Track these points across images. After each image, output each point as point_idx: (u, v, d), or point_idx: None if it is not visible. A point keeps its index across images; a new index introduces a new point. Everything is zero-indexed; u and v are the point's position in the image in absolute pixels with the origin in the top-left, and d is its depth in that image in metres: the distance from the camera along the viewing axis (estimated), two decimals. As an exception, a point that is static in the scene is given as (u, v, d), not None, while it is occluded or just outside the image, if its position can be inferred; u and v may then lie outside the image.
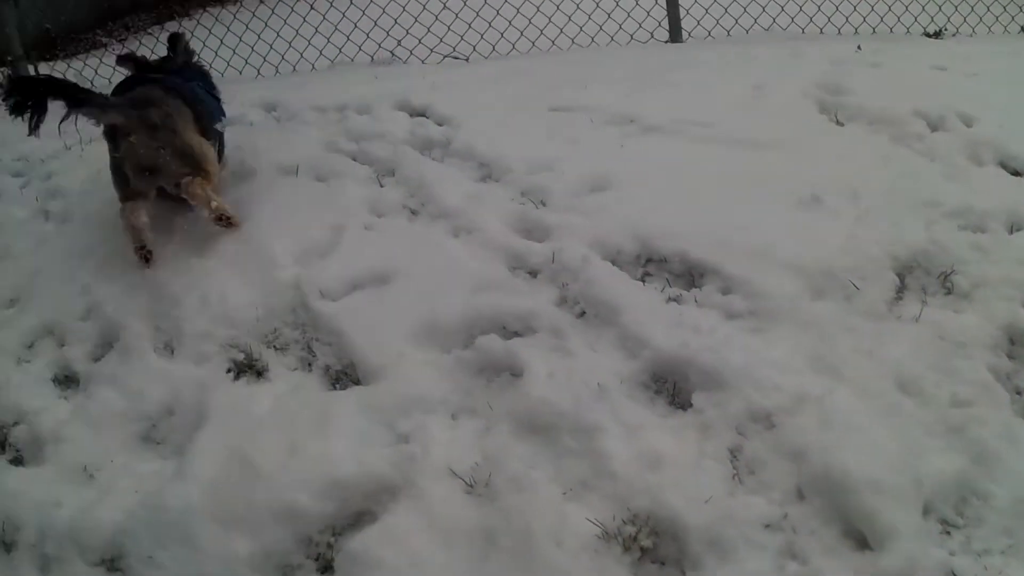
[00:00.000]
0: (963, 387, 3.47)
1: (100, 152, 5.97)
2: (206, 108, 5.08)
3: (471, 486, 3.31)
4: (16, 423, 3.99)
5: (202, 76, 5.68)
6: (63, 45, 11.53)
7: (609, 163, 5.00)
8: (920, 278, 4.07)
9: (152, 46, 9.03)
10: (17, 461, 3.88)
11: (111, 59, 8.66)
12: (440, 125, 5.77)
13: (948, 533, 3.11)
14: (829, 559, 3.02)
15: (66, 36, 11.76)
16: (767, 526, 3.12)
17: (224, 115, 5.43)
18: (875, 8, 8.45)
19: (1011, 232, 4.37)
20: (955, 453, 3.26)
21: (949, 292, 3.99)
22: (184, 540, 3.32)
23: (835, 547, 3.06)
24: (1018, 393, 3.53)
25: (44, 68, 9.38)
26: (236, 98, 6.65)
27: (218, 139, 5.17)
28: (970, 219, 4.41)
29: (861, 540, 3.06)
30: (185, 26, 9.77)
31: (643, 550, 3.12)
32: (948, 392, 3.45)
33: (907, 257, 4.13)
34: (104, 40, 12.23)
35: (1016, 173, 4.98)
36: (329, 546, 3.30)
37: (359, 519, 3.34)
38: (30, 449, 3.88)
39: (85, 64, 9.25)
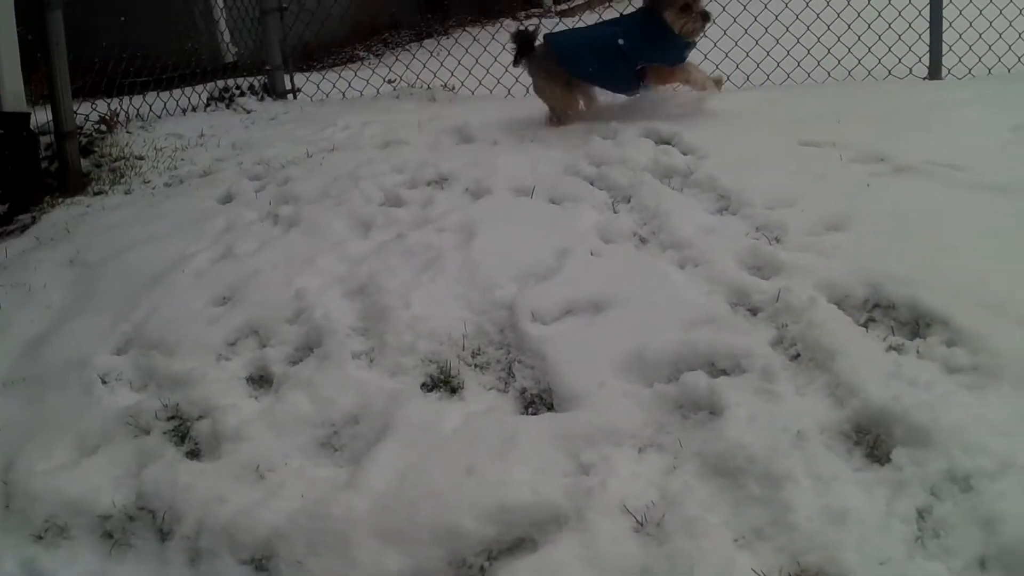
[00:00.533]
0: None
1: (338, 162, 6.22)
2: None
3: (641, 524, 3.20)
4: (200, 417, 4.06)
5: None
6: (321, 57, 11.90)
7: (852, 202, 4.86)
8: None
9: (408, 62, 9.28)
10: (193, 454, 3.94)
11: (365, 72, 9.00)
12: (685, 154, 5.75)
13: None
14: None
15: (326, 48, 12.13)
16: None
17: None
18: None
19: None
20: None
21: None
22: (338, 549, 3.32)
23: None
24: None
25: (300, 78, 9.74)
26: (481, 117, 6.78)
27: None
28: None
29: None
30: (443, 44, 9.99)
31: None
32: None
33: None
34: (362, 55, 12.58)
35: None
36: (482, 569, 3.24)
37: (518, 545, 3.27)
38: (208, 444, 3.94)
39: (340, 76, 9.56)
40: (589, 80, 6.90)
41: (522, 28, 7.07)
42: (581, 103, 6.97)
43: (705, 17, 6.49)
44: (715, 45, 8.26)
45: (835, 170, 5.32)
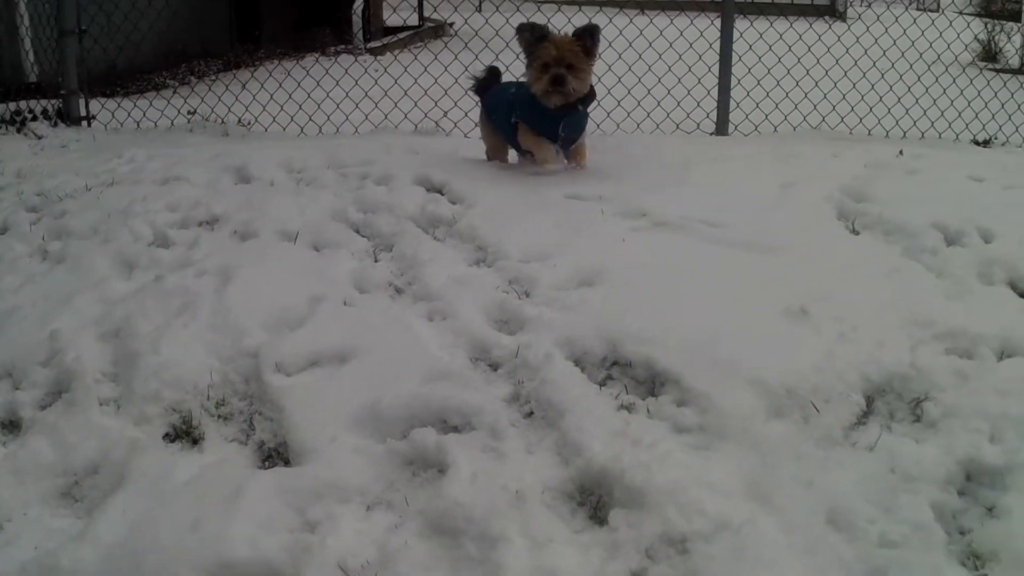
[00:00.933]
0: (897, 526, 3.29)
1: (115, 197, 6.08)
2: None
3: None
4: None
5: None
6: (127, 82, 11.68)
7: (606, 258, 4.91)
8: (891, 402, 3.92)
9: (220, 93, 9.17)
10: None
11: (164, 102, 8.86)
12: (453, 203, 5.73)
13: None
14: None
15: (133, 73, 11.92)
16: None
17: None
18: (927, 112, 8.39)
19: (1000, 359, 4.20)
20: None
21: (917, 420, 3.83)
22: (64, 603, 3.24)
23: None
24: (961, 533, 3.37)
25: (100, 103, 9.54)
26: (265, 156, 6.72)
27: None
28: (960, 342, 4.25)
29: None
30: (248, 73, 9.93)
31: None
32: (879, 530, 3.27)
33: (881, 380, 3.97)
34: (169, 82, 12.41)
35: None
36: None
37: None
38: None
39: (135, 105, 9.37)
40: (503, 134, 6.69)
41: (494, 66, 6.97)
42: (509, 151, 6.82)
43: (556, 82, 5.97)
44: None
45: (595, 224, 5.36)
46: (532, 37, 6.00)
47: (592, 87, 6.22)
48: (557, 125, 6.17)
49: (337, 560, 3.23)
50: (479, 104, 6.96)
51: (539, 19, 7.95)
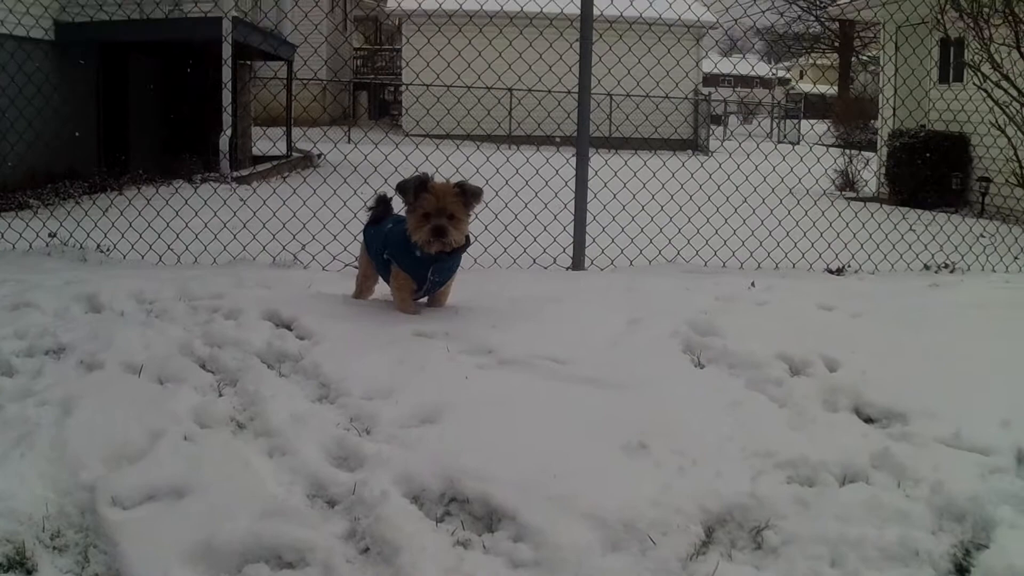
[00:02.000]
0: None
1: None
2: None
3: None
4: None
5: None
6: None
7: (448, 395, 4.93)
8: (731, 532, 3.97)
9: (80, 218, 9.09)
10: None
11: (22, 224, 8.73)
12: (300, 339, 5.73)
13: None
14: None
15: (-7, 192, 11.82)
16: None
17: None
18: (780, 244, 8.60)
19: (842, 484, 4.29)
20: None
21: (758, 547, 3.88)
22: None
23: None
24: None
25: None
26: (118, 285, 6.67)
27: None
28: (802, 470, 4.34)
29: None
30: (109, 197, 9.87)
31: None
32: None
33: (720, 511, 4.02)
34: (32, 203, 12.28)
35: (869, 420, 4.95)
36: None
37: None
38: None
39: (8, 226, 9.25)
40: (376, 267, 6.63)
41: (383, 196, 6.80)
42: (374, 285, 6.79)
43: (437, 232, 5.93)
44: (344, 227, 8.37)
45: (439, 361, 5.39)
46: (413, 187, 5.96)
47: (467, 235, 6.24)
48: (427, 270, 6.17)
49: None
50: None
51: (407, 146, 8.06)
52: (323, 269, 8.12)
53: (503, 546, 3.82)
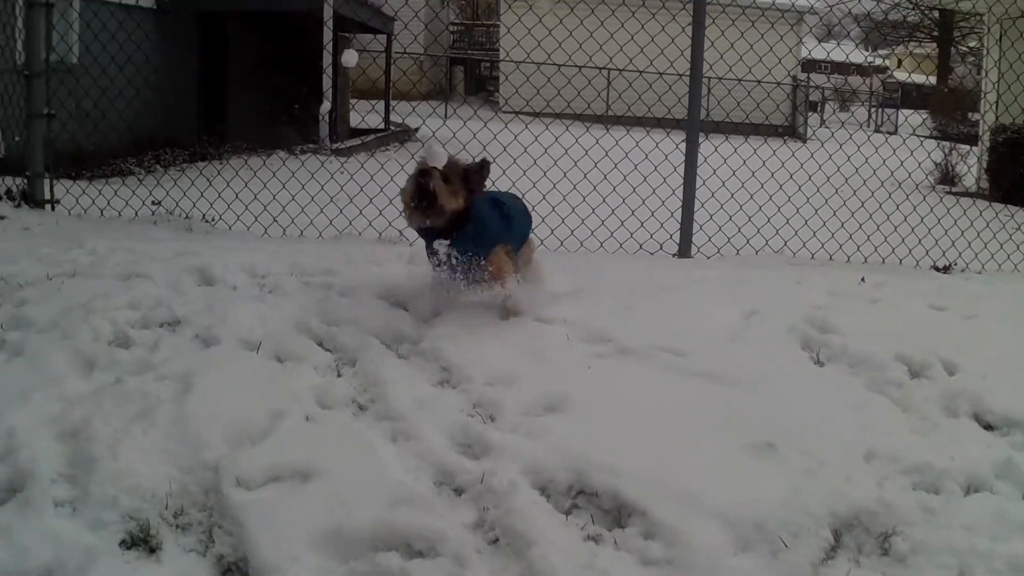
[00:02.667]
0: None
1: (76, 289, 6.00)
2: None
3: None
4: None
5: None
6: (93, 165, 11.61)
7: (571, 384, 4.89)
8: (859, 537, 3.89)
9: (186, 187, 9.16)
10: None
11: (129, 190, 8.78)
12: (416, 321, 5.70)
13: None
14: None
15: (100, 157, 11.86)
16: None
17: None
18: (888, 239, 8.48)
19: (967, 493, 4.21)
20: None
21: (885, 554, 3.82)
22: None
23: None
24: None
25: (65, 186, 9.47)
26: (229, 258, 6.68)
27: None
28: (927, 477, 4.27)
29: None
30: (213, 166, 9.92)
31: None
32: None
33: (849, 515, 3.96)
34: (135, 169, 12.36)
35: (989, 427, 4.87)
36: None
37: None
38: None
39: (99, 192, 9.30)
40: None
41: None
42: None
43: (421, 191, 5.46)
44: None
45: (560, 349, 5.36)
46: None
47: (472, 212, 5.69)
48: (432, 240, 5.79)
49: None
50: None
51: (506, 136, 8.03)
52: (429, 249, 8.10)
53: (634, 543, 3.78)
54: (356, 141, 16.90)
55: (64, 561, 3.72)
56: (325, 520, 3.86)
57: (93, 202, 9.22)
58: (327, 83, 15.85)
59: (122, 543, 3.86)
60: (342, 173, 9.52)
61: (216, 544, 3.89)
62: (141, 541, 3.87)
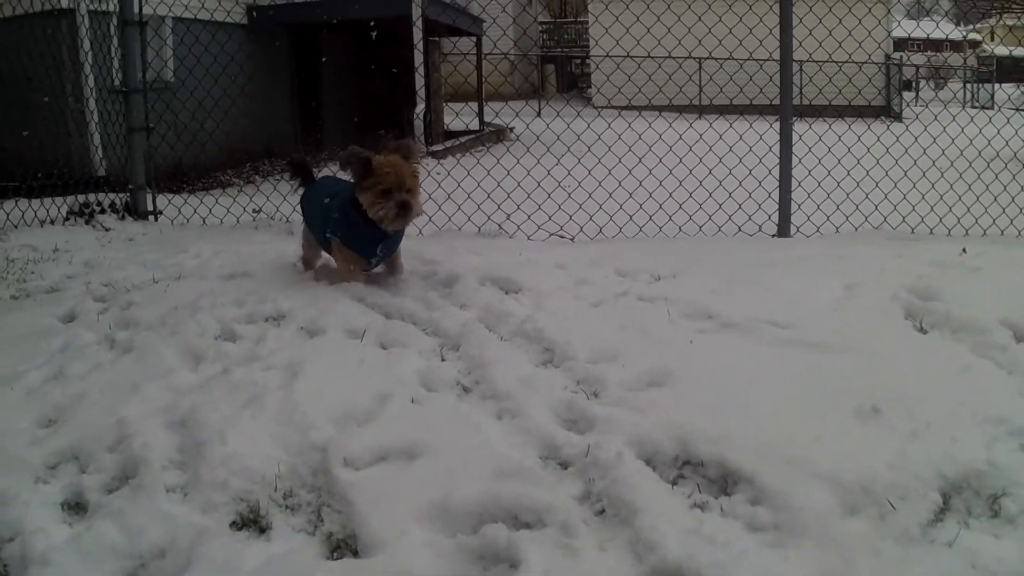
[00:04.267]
0: (980, 625, 3.27)
1: (182, 291, 6.17)
2: None
3: None
4: (11, 539, 3.91)
5: None
6: (193, 179, 11.80)
7: (674, 359, 4.90)
8: (968, 499, 3.84)
9: (285, 192, 9.29)
10: (1, 576, 3.81)
11: (229, 200, 8.92)
12: (519, 303, 5.77)
13: None
14: None
15: (199, 170, 12.04)
16: None
17: None
18: (988, 209, 8.37)
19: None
20: None
21: (995, 515, 3.76)
22: None
23: None
24: (1046, 636, 3.33)
25: (166, 199, 9.67)
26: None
27: None
28: (1026, 438, 4.21)
29: None
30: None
31: None
32: (963, 631, 3.26)
33: (957, 477, 3.91)
34: (234, 180, 12.52)
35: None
36: None
37: None
38: (16, 567, 3.79)
39: (201, 202, 9.46)
40: (318, 241, 6.64)
41: (296, 158, 7.03)
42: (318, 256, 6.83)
43: (403, 208, 5.91)
44: (569, 196, 8.38)
45: (662, 325, 5.37)
46: (361, 163, 5.95)
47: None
48: (376, 246, 6.17)
49: None
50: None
51: (599, 124, 8.05)
52: (528, 239, 8.14)
53: (741, 509, 3.77)
54: (453, 141, 16.97)
55: (176, 540, 3.81)
56: (432, 495, 3.90)
57: (195, 211, 9.40)
58: (419, 83, 15.93)
59: (232, 524, 3.95)
60: (438, 172, 9.60)
61: (325, 523, 3.95)
62: (251, 522, 3.96)
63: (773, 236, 8.26)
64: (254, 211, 9.75)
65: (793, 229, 8.31)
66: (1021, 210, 8.71)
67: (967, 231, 8.39)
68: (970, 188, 8.74)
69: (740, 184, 8.58)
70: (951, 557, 3.56)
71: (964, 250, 7.20)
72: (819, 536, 3.60)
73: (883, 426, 4.28)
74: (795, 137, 8.34)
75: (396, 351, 5.23)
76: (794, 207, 8.31)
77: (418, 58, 15.66)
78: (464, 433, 4.37)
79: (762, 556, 3.52)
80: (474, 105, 20.02)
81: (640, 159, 8.76)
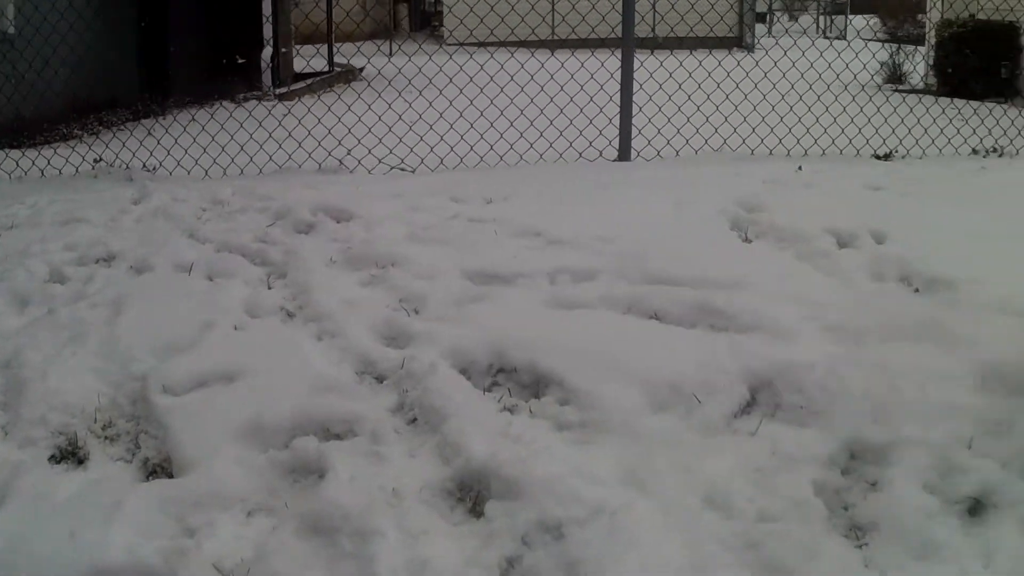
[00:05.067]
0: (775, 502, 3.34)
1: (13, 240, 6.16)
2: None
3: None
4: None
5: None
6: (35, 132, 11.54)
7: (496, 274, 5.00)
8: (776, 394, 3.95)
9: (126, 140, 9.16)
10: None
11: (70, 150, 8.77)
12: (349, 230, 5.80)
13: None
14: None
15: (42, 123, 11.77)
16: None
17: None
18: (828, 131, 8.50)
19: (882, 343, 4.28)
20: (745, 569, 3.11)
21: (802, 411, 3.86)
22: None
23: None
24: (844, 508, 3.41)
25: (2, 154, 9.44)
26: (167, 189, 6.72)
27: None
28: (848, 336, 4.33)
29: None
30: (161, 123, 9.91)
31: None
32: (757, 508, 3.32)
33: (766, 372, 4.03)
34: (77, 132, 12.26)
35: (917, 290, 4.93)
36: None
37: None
38: None
39: (39, 154, 9.31)
40: None
41: None
42: None
43: None
44: (410, 128, 8.38)
45: (488, 243, 5.46)
46: None
47: None
48: None
49: (213, 561, 3.24)
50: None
51: (450, 65, 8.03)
52: (369, 172, 8.13)
53: (550, 410, 3.86)
54: (300, 84, 16.79)
55: (-11, 478, 3.80)
56: (246, 414, 3.92)
57: (33, 163, 9.19)
58: (268, 31, 15.71)
59: (51, 458, 3.90)
60: (280, 112, 9.53)
61: (142, 449, 3.94)
62: (69, 454, 3.92)
63: (614, 161, 8.32)
64: (94, 160, 9.55)
65: (634, 154, 8.38)
66: (859, 130, 8.86)
67: (806, 151, 8.53)
68: (809, 109, 8.86)
69: (581, 111, 8.60)
70: (752, 444, 3.67)
71: (800, 168, 7.35)
72: (624, 431, 3.69)
73: (699, 329, 4.40)
74: (636, 64, 8.41)
75: (222, 282, 5.23)
76: (635, 132, 8.37)
77: (266, 3, 15.41)
78: (283, 355, 4.39)
79: (565, 451, 3.60)
80: (326, 50, 19.85)
81: (481, 89, 8.76)
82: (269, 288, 5.18)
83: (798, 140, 8.58)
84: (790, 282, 4.91)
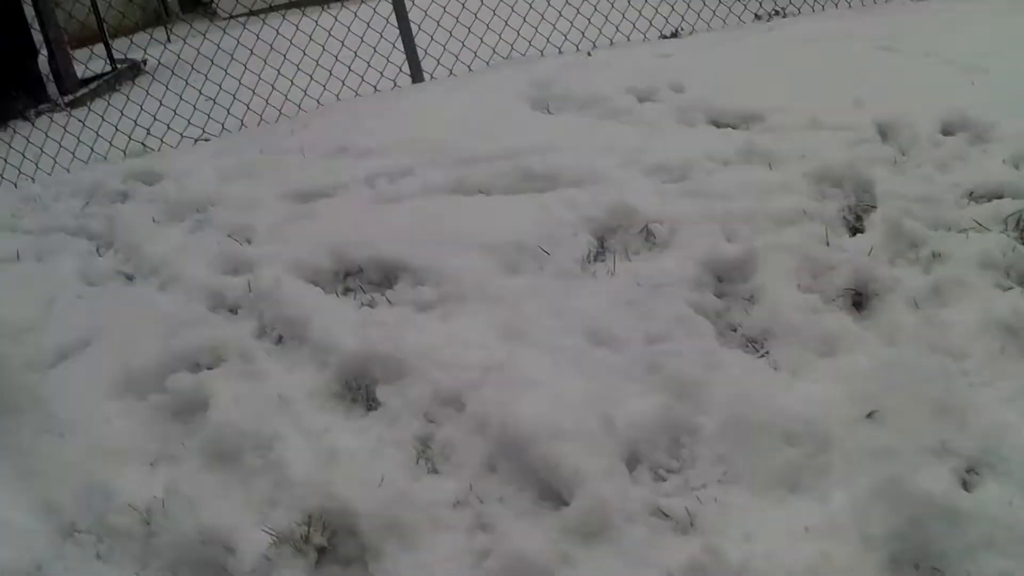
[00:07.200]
0: (659, 324, 3.50)
1: None
2: None
3: (148, 520, 3.27)
4: None
5: None
6: None
7: (318, 191, 5.07)
8: (622, 236, 4.12)
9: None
10: None
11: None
12: (164, 189, 5.76)
13: (663, 479, 3.09)
14: (520, 522, 2.97)
15: None
16: (456, 504, 3.10)
17: None
18: (609, 18, 8.58)
19: (710, 174, 4.46)
20: (655, 393, 3.26)
21: (652, 246, 4.05)
22: None
23: (529, 510, 3.02)
24: (733, 330, 3.60)
25: None
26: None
27: None
28: (673, 171, 4.52)
29: (559, 498, 3.02)
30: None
31: (320, 550, 3.05)
32: (643, 332, 3.48)
33: (604, 218, 4.18)
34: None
35: (733, 127, 5.10)
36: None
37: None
38: None
39: None
40: None
41: None
42: None
43: None
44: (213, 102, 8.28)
45: (297, 167, 5.52)
46: None
47: None
48: None
49: (126, 505, 3.32)
50: None
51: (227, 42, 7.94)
52: (182, 136, 8.00)
53: (407, 295, 3.96)
54: (85, 90, 16.29)
55: None
56: (114, 369, 3.94)
57: None
58: (37, 37, 15.16)
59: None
60: (75, 126, 9.26)
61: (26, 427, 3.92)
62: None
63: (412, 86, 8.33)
64: None
65: (427, 77, 8.38)
66: (640, 13, 8.97)
67: (594, 43, 8.60)
68: (596, 8, 8.92)
69: (362, 40, 8.54)
70: (615, 282, 3.85)
71: (589, 53, 7.46)
72: (484, 296, 3.83)
73: (528, 192, 4.57)
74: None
75: (52, 259, 5.20)
76: (421, 53, 8.36)
77: (27, 8, 14.83)
78: (132, 310, 4.42)
79: (435, 325, 3.74)
80: (100, 50, 19.30)
81: (278, 70, 8.62)
82: (100, 256, 5.15)
83: (583, 33, 8.64)
84: (601, 137, 5.05)
